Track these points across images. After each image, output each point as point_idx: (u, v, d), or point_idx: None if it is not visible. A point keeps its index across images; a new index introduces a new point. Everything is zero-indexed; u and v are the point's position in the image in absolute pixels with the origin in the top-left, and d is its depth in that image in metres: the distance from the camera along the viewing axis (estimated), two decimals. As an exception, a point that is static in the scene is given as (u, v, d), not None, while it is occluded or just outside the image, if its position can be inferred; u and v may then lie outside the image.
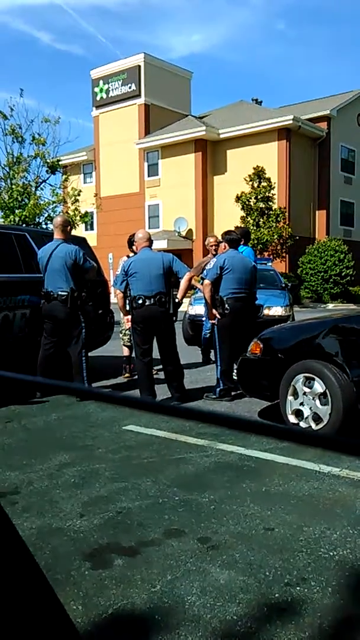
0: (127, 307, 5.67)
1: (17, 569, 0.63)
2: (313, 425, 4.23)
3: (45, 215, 16.12)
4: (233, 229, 7.04)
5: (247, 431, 0.52)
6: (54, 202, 16.59)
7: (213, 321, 5.88)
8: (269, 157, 26.22)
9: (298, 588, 2.23)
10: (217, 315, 5.72)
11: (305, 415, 4.35)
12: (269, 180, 24.23)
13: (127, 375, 7.00)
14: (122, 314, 5.96)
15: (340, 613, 2.09)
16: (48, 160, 16.48)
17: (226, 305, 5.66)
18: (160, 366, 5.91)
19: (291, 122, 26.00)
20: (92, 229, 30.29)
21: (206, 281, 5.77)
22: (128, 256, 6.29)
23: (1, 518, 0.65)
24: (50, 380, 0.67)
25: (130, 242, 6.25)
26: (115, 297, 5.90)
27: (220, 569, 2.39)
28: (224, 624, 2.01)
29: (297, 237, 25.29)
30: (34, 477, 3.55)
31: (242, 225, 20.81)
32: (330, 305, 23.35)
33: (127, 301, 5.63)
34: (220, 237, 6.33)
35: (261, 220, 24.15)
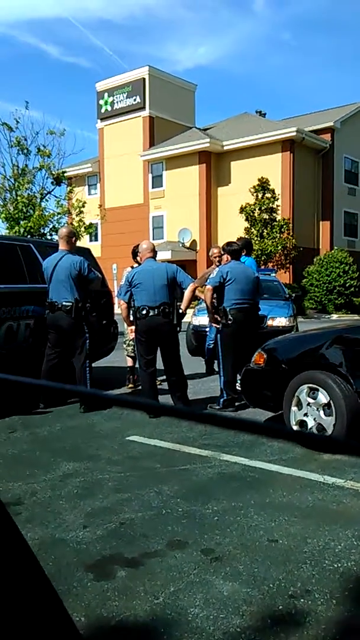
0: (131, 318, 5.68)
1: (24, 577, 0.63)
2: (317, 436, 4.21)
3: (50, 226, 16.22)
4: (236, 239, 7.06)
5: (249, 432, 0.53)
6: (58, 213, 16.69)
7: (216, 325, 5.89)
8: (273, 168, 26.34)
9: (302, 600, 2.22)
10: (219, 319, 5.74)
11: (309, 426, 4.33)
12: (273, 191, 24.33)
13: (130, 385, 7.00)
14: (126, 325, 5.97)
15: (344, 625, 2.07)
16: (53, 172, 16.61)
17: (229, 316, 5.67)
18: (164, 377, 5.91)
19: (295, 133, 26.15)
20: (96, 240, 30.45)
21: (207, 286, 5.78)
22: (132, 267, 6.32)
23: (10, 527, 0.66)
24: (52, 383, 0.68)
25: (135, 253, 6.28)
26: (119, 307, 5.92)
27: (224, 580, 2.38)
28: (227, 636, 1.99)
29: (301, 248, 25.33)
30: (37, 488, 3.54)
31: (246, 236, 20.88)
32: (334, 316, 23.32)
33: (131, 312, 5.64)
34: (222, 249, 6.35)
35: (265, 231, 24.22)
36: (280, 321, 8.85)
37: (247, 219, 24.46)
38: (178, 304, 5.54)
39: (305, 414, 4.37)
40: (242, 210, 24.49)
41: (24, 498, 3.37)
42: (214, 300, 5.81)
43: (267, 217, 24.30)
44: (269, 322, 8.66)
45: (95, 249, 23.73)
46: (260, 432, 0.53)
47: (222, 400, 5.75)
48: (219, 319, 5.76)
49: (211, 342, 7.40)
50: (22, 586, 0.63)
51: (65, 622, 0.65)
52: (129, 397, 0.68)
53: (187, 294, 5.54)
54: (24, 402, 5.92)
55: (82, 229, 16.65)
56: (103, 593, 2.29)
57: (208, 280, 5.94)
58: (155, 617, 2.12)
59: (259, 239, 23.80)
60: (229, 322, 5.68)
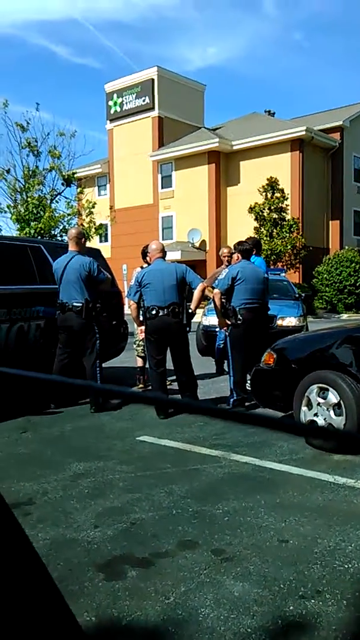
0: (141, 318, 5.69)
1: (27, 577, 0.64)
2: (328, 437, 4.19)
3: (60, 227, 16.29)
4: (245, 239, 7.05)
5: (254, 424, 0.53)
6: (68, 214, 16.76)
7: (224, 329, 5.89)
8: (282, 168, 26.27)
9: (313, 601, 2.21)
10: (228, 323, 5.73)
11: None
12: (282, 191, 24.26)
13: (141, 385, 7.01)
14: (135, 325, 5.98)
15: (355, 626, 2.06)
16: (63, 173, 16.68)
17: (239, 316, 5.66)
18: (174, 377, 5.91)
19: (304, 133, 26.07)
20: (106, 240, 30.53)
21: (216, 290, 5.78)
22: (142, 267, 6.33)
23: (14, 528, 0.66)
24: (63, 377, 0.69)
25: (144, 253, 6.29)
26: (129, 308, 5.93)
27: (234, 580, 2.38)
28: (237, 636, 2.00)
29: (311, 248, 25.23)
30: (48, 488, 3.56)
31: (256, 236, 20.83)
32: (345, 316, 23.20)
33: (141, 312, 5.66)
34: (233, 248, 6.35)
35: (274, 230, 24.15)
36: (290, 321, 8.83)
37: (256, 219, 24.40)
38: (188, 304, 5.54)
39: (316, 414, 4.35)
40: (251, 209, 24.44)
41: (35, 498, 3.39)
42: (223, 301, 5.81)
43: (277, 216, 24.23)
44: (279, 322, 8.64)
45: (105, 249, 23.78)
46: (271, 427, 0.54)
47: (232, 400, 5.75)
48: (227, 322, 5.75)
49: (221, 342, 7.39)
50: (25, 586, 0.63)
51: (68, 621, 0.65)
52: (142, 392, 0.68)
53: (196, 293, 5.54)
54: (35, 403, 5.95)
55: (92, 229, 16.70)
56: (114, 593, 2.30)
57: (216, 282, 5.93)
58: (166, 617, 2.12)
59: (268, 238, 23.74)
60: (239, 322, 5.67)
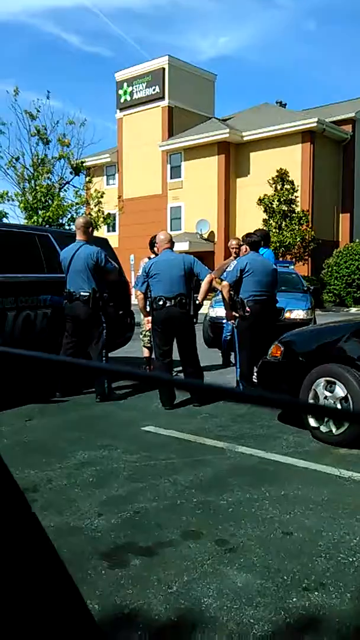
0: (148, 309, 5.68)
1: (41, 563, 0.64)
2: (334, 430, 4.18)
3: (69, 216, 16.25)
4: (254, 231, 7.01)
5: (253, 403, 0.53)
6: (77, 203, 16.71)
7: (231, 321, 5.88)
8: (293, 159, 26.07)
9: (316, 593, 2.21)
10: (236, 316, 5.72)
11: (325, 419, 4.30)
12: (292, 182, 24.09)
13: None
14: (142, 315, 5.98)
15: (358, 619, 2.06)
16: (72, 162, 16.62)
17: (247, 308, 5.64)
18: (180, 368, 5.91)
19: (315, 124, 25.82)
20: (114, 230, 30.47)
21: (224, 282, 5.76)
22: (149, 258, 6.31)
23: (27, 514, 0.66)
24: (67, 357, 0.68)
25: (152, 243, 6.27)
26: (136, 298, 5.92)
27: (238, 571, 2.38)
28: (240, 627, 2.00)
29: (320, 241, 25.08)
30: (53, 476, 3.57)
31: (265, 228, 20.72)
32: (353, 309, 23.08)
33: (148, 302, 5.64)
34: (242, 240, 6.32)
35: (284, 223, 24.02)
36: (298, 314, 8.79)
37: (265, 211, 24.27)
38: (195, 295, 5.52)
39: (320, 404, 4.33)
40: (260, 201, 24.30)
41: (40, 485, 3.40)
42: (231, 293, 5.78)
43: (286, 208, 24.08)
44: (287, 315, 8.61)
45: (113, 239, 23.73)
46: (275, 405, 0.53)
47: (237, 389, 5.73)
48: (235, 314, 5.74)
49: (228, 333, 7.38)
50: (39, 572, 0.63)
51: (80, 608, 0.65)
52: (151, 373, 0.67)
53: (204, 285, 5.52)
54: (41, 391, 5.97)
55: (100, 219, 16.66)
56: (117, 581, 2.31)
57: (225, 275, 5.91)
58: (169, 607, 2.12)
59: (277, 230, 23.61)
60: (247, 313, 5.65)
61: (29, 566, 0.62)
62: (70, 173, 16.83)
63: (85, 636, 0.63)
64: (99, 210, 16.72)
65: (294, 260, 21.81)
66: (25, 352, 0.70)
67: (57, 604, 0.63)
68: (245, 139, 27.90)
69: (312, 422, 4.37)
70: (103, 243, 6.91)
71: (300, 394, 4.48)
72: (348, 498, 3.18)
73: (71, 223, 15.74)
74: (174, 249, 5.80)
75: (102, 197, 16.81)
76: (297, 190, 24.24)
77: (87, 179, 18.29)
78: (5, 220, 15.92)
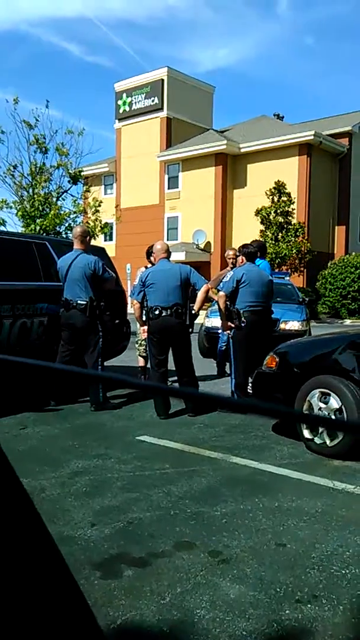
0: (144, 318, 5.69)
1: (47, 568, 0.64)
2: (328, 441, 4.18)
3: (66, 224, 16.27)
4: (250, 242, 7.04)
5: (248, 412, 0.54)
6: (74, 212, 16.74)
7: (228, 332, 5.89)
8: (290, 172, 26.23)
9: (309, 605, 2.20)
10: (232, 326, 5.73)
11: (320, 431, 4.31)
12: (289, 194, 24.24)
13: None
14: (138, 325, 5.98)
15: (351, 632, 2.05)
16: (70, 171, 16.66)
17: (242, 318, 5.66)
18: (175, 377, 5.91)
19: (312, 137, 26.03)
20: (111, 239, 30.52)
21: (221, 293, 5.79)
22: (146, 267, 6.33)
23: (35, 519, 0.67)
24: (61, 365, 0.69)
25: (149, 253, 6.30)
26: (132, 307, 5.93)
27: (231, 583, 2.37)
28: (233, 638, 1.99)
29: (316, 252, 25.20)
30: (47, 485, 3.56)
31: (261, 239, 20.80)
32: (348, 321, 23.15)
33: (144, 312, 5.65)
34: (238, 251, 6.34)
35: (280, 234, 24.13)
36: (293, 325, 8.82)
37: (262, 222, 24.38)
38: (191, 305, 5.54)
39: (315, 415, 4.34)
40: (258, 212, 24.43)
41: (33, 494, 3.38)
42: (227, 303, 5.80)
43: (283, 220, 24.21)
44: (282, 326, 8.63)
45: (110, 248, 23.78)
46: (267, 414, 0.54)
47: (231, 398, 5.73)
48: (231, 324, 5.75)
49: (223, 344, 7.39)
50: (44, 574, 0.63)
51: (84, 611, 0.65)
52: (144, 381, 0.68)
53: (200, 295, 5.54)
54: (35, 399, 5.95)
55: (98, 228, 16.69)
56: (110, 592, 2.30)
57: (221, 285, 5.93)
58: (161, 618, 2.11)
59: (273, 242, 23.71)
60: (242, 324, 5.67)
61: (35, 567, 0.63)
62: (68, 182, 16.88)
63: (87, 637, 0.64)
64: (96, 219, 16.75)
65: (289, 271, 21.88)
66: (20, 359, 0.71)
67: (61, 606, 0.63)
68: (242, 150, 28.08)
69: (306, 433, 4.38)
70: (100, 252, 6.93)
71: (294, 405, 4.48)
72: (342, 510, 3.18)
73: (68, 232, 15.76)
74: (171, 259, 5.82)
75: (99, 205, 16.85)
76: (293, 202, 24.38)
77: (85, 188, 18.33)
78: (2, 228, 15.93)
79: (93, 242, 6.58)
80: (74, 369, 0.69)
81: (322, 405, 4.29)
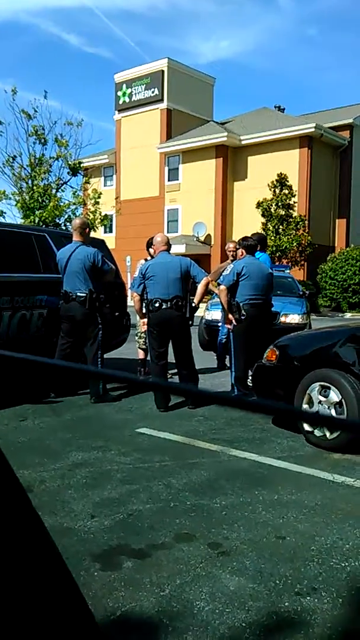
0: (144, 310, 5.68)
1: (43, 562, 0.64)
2: (327, 434, 4.19)
3: (65, 216, 16.22)
4: (250, 235, 7.02)
5: (247, 410, 0.53)
6: (74, 203, 16.68)
7: (229, 326, 5.89)
8: (291, 164, 26.14)
9: (308, 598, 2.21)
10: (234, 321, 5.72)
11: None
12: (290, 187, 24.16)
13: (141, 378, 7.00)
14: (138, 317, 5.97)
15: (350, 625, 2.06)
16: (70, 162, 16.59)
17: (242, 311, 5.65)
18: (175, 370, 5.91)
19: (313, 130, 25.91)
20: (110, 231, 30.45)
21: (222, 287, 5.77)
22: (146, 259, 6.32)
23: (30, 513, 0.66)
24: (61, 362, 0.68)
25: (149, 245, 6.28)
26: (132, 299, 5.92)
27: (230, 575, 2.38)
28: (232, 630, 1.99)
29: (317, 245, 25.15)
30: (46, 477, 3.56)
31: (262, 232, 20.76)
32: (348, 315, 23.15)
33: (144, 304, 5.64)
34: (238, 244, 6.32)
35: (281, 227, 24.08)
36: (293, 318, 8.81)
37: (263, 215, 24.31)
38: (191, 297, 5.53)
39: (317, 412, 4.34)
40: (259, 205, 24.36)
41: (33, 486, 3.39)
42: (228, 297, 5.79)
43: (284, 213, 24.14)
44: (282, 319, 8.62)
45: (110, 240, 23.75)
46: (266, 412, 0.54)
47: (232, 395, 5.74)
48: (232, 318, 5.74)
49: (223, 336, 7.39)
50: (40, 569, 0.63)
51: (81, 607, 0.65)
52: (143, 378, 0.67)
53: (200, 287, 5.53)
54: (35, 391, 5.95)
55: (98, 220, 16.64)
56: (109, 583, 2.30)
57: (221, 278, 5.91)
58: (161, 609, 2.12)
59: (274, 235, 23.66)
60: (242, 317, 5.66)
61: (31, 563, 0.62)
62: (68, 173, 16.81)
63: (86, 636, 0.63)
64: (96, 211, 16.69)
65: (290, 264, 21.85)
66: (18, 355, 0.70)
67: (58, 602, 0.63)
68: (243, 142, 27.96)
69: (306, 426, 4.38)
70: (100, 244, 6.91)
71: (294, 399, 4.48)
72: (341, 503, 3.19)
73: (68, 223, 15.71)
74: (171, 251, 5.81)
75: (99, 197, 16.78)
76: (295, 195, 24.31)
77: (85, 179, 18.25)
78: (1, 219, 15.88)
79: (93, 234, 6.55)
80: (74, 365, 0.68)
81: (322, 398, 4.29)
